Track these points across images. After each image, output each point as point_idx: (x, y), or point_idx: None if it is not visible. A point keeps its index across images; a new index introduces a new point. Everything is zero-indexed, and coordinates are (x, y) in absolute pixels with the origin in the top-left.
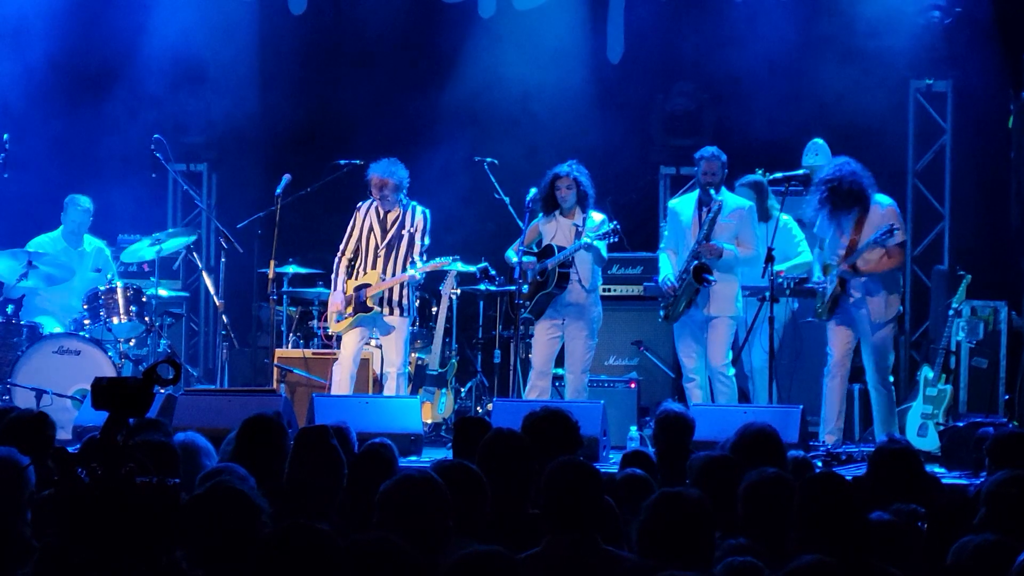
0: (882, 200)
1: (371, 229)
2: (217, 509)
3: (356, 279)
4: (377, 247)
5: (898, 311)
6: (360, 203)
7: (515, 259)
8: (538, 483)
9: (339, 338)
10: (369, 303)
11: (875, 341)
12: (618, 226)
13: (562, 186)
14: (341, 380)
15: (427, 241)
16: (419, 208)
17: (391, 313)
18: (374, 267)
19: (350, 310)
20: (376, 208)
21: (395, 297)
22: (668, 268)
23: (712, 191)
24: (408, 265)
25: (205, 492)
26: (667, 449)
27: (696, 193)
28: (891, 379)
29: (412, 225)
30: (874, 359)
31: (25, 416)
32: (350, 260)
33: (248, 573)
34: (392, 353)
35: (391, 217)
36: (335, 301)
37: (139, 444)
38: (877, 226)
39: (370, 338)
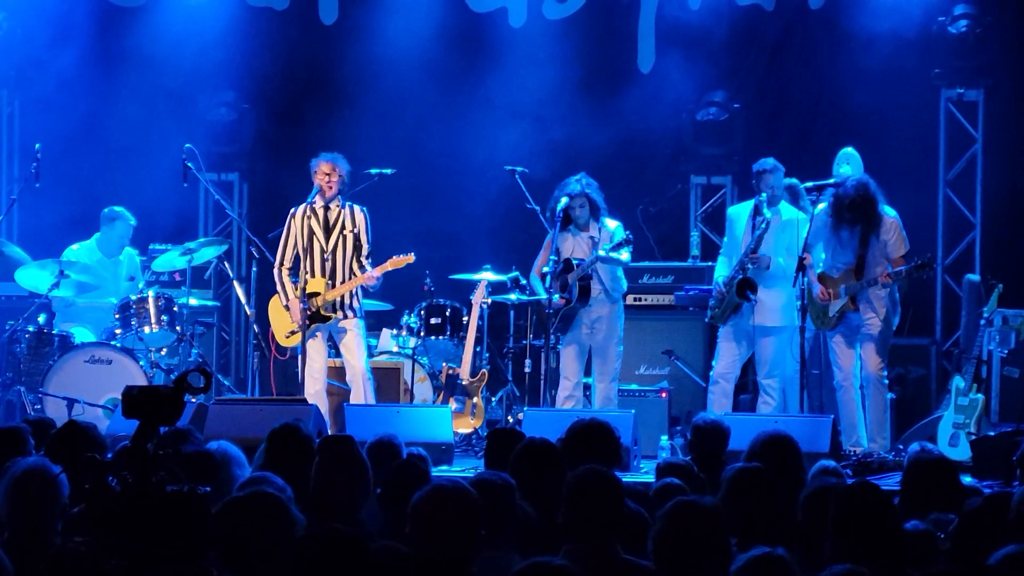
0: (887, 211)
1: (312, 233)
2: (258, 515)
3: (301, 287)
4: (323, 252)
5: (898, 311)
6: (293, 208)
7: (539, 284)
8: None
9: (291, 352)
10: (323, 312)
11: (872, 342)
12: (631, 236)
13: (575, 205)
14: (316, 393)
15: (370, 240)
16: (358, 207)
17: (344, 317)
18: (323, 274)
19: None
20: (315, 211)
21: (346, 300)
22: (723, 269)
23: (764, 200)
24: (359, 269)
25: (246, 496)
26: (702, 458)
27: (753, 201)
28: (886, 381)
29: (354, 225)
30: (870, 360)
31: (77, 428)
32: (290, 270)
33: None
34: (355, 359)
35: (332, 217)
36: (295, 310)
37: (174, 453)
38: (884, 240)
39: (328, 349)
